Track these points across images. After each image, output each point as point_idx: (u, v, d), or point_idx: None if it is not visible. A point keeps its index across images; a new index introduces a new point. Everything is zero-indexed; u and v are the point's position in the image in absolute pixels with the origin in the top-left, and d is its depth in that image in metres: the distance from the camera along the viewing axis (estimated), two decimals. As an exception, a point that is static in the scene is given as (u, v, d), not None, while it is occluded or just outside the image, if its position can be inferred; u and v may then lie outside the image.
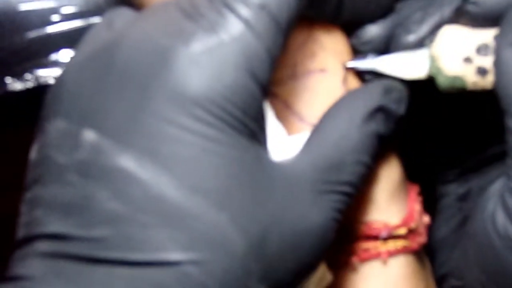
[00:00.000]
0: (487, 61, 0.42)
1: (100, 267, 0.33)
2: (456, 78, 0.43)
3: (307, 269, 0.36)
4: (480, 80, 0.43)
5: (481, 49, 0.42)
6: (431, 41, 0.44)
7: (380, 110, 0.41)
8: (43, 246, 0.34)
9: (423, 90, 0.45)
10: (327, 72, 0.45)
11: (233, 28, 0.35)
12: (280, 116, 0.43)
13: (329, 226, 0.37)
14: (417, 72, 0.44)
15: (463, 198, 0.50)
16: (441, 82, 0.43)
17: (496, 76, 0.42)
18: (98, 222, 0.33)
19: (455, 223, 0.50)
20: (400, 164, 0.46)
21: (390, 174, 0.45)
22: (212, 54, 0.35)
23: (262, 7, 0.35)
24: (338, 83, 0.45)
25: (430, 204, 0.49)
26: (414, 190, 0.47)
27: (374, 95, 0.41)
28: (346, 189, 0.38)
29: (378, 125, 0.41)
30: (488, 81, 0.43)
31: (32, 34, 0.41)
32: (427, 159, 0.52)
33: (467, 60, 0.43)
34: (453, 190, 0.51)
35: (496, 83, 0.42)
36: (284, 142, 0.40)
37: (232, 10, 0.35)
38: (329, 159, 0.38)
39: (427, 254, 0.50)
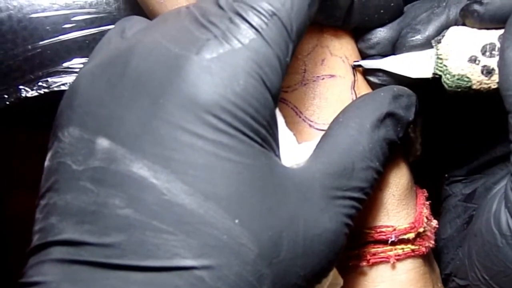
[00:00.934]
0: (493, 61, 0.43)
1: (114, 273, 0.33)
2: (462, 77, 0.43)
3: (318, 274, 0.36)
4: (485, 80, 0.43)
5: (487, 49, 0.43)
6: (438, 41, 0.44)
7: (389, 116, 0.41)
8: (57, 252, 0.34)
9: (430, 91, 0.45)
10: (337, 77, 0.45)
11: (244, 35, 0.35)
12: (291, 122, 0.43)
13: (340, 231, 0.37)
14: (424, 71, 0.45)
15: (469, 198, 0.51)
16: (447, 81, 0.44)
17: (500, 76, 0.42)
18: (112, 229, 0.33)
19: (461, 223, 0.50)
20: (409, 169, 0.47)
21: (399, 179, 0.45)
22: (223, 61, 0.35)
23: (273, 15, 0.36)
24: (347, 89, 0.45)
25: (435, 205, 0.49)
26: (423, 194, 0.47)
27: (383, 101, 0.41)
28: (357, 194, 0.38)
29: (387, 131, 0.41)
30: (493, 81, 0.43)
31: (45, 42, 0.41)
32: (434, 160, 0.52)
33: (473, 60, 0.43)
34: (459, 190, 0.52)
35: (500, 83, 0.42)
36: (294, 149, 0.41)
37: (243, 18, 0.35)
38: (339, 165, 0.38)
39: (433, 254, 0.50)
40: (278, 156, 0.37)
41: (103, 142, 0.35)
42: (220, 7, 0.36)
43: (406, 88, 0.44)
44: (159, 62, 0.35)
